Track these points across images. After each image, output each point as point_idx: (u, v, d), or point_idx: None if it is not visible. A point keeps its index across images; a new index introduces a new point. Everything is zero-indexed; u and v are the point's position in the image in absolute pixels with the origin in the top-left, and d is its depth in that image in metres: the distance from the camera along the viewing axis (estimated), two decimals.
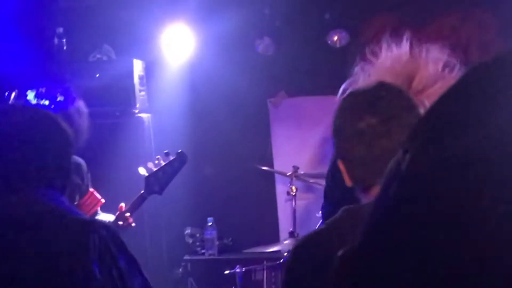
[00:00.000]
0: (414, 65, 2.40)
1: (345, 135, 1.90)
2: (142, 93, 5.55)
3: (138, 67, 5.52)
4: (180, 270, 5.67)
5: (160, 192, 3.82)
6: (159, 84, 5.94)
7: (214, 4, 5.89)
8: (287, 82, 6.22)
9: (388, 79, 2.14)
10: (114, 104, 5.30)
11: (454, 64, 2.42)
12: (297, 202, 5.53)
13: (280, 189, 6.20)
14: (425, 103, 2.18)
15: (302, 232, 5.50)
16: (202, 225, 5.84)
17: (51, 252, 2.08)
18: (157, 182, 3.81)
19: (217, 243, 5.76)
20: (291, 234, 5.35)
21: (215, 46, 6.00)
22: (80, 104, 3.68)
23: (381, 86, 1.93)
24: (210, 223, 5.73)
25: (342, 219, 1.89)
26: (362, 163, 1.87)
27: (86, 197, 3.87)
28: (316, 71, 6.04)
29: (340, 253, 0.77)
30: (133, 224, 3.70)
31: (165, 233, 5.61)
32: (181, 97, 6.04)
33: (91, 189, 3.86)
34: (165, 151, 3.89)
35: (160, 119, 5.75)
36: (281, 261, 5.19)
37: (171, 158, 3.86)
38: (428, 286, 0.51)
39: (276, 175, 6.19)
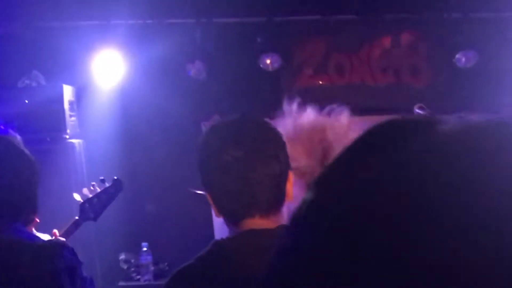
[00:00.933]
0: (320, 130, 2.42)
1: (210, 168, 1.91)
2: (73, 118, 5.48)
3: (68, 92, 5.45)
4: None
5: (95, 218, 3.77)
6: (90, 109, 5.87)
7: (145, 29, 5.88)
8: (221, 105, 6.22)
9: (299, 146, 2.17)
10: (44, 130, 5.22)
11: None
12: None
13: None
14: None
15: None
16: (136, 251, 5.76)
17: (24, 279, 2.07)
18: (92, 208, 3.76)
19: (152, 268, 5.70)
20: None
21: (146, 70, 5.97)
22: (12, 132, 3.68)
23: (245, 119, 1.97)
24: (145, 248, 5.67)
25: (212, 253, 1.89)
26: (228, 196, 1.87)
27: None
28: (250, 94, 6.06)
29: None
30: None
31: (99, 259, 5.51)
32: (113, 122, 5.98)
33: None
34: (101, 178, 3.84)
35: (92, 144, 5.67)
36: None
37: (107, 185, 3.81)
38: None
39: None
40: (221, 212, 1.93)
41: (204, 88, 6.13)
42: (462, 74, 6.13)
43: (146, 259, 5.65)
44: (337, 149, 2.19)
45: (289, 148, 1.96)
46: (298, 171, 2.16)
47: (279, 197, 1.89)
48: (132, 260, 5.84)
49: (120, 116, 6.08)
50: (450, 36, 6.08)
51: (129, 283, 5.73)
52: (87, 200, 3.76)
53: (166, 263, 5.95)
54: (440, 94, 6.04)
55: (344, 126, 2.44)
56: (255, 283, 1.77)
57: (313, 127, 2.38)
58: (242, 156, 1.84)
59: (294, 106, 2.53)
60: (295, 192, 1.93)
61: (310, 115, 2.50)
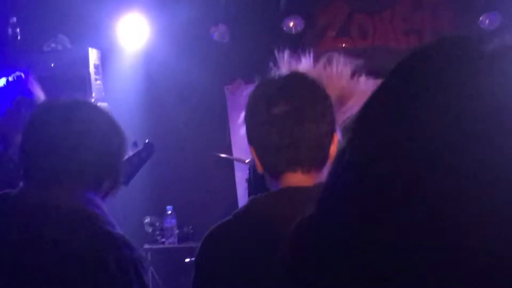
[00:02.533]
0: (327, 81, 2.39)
1: (257, 122, 1.88)
2: (98, 82, 5.50)
3: (93, 55, 5.47)
4: None
5: (126, 183, 3.75)
6: (114, 73, 5.89)
7: None
8: (244, 69, 6.20)
9: None
10: (70, 94, 5.23)
11: (361, 69, 2.41)
12: None
13: (240, 177, 6.20)
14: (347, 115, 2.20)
15: None
16: (161, 214, 5.82)
17: (66, 253, 1.97)
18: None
19: (176, 231, 5.76)
20: None
21: (170, 34, 5.97)
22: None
23: (295, 75, 1.95)
24: (169, 212, 5.72)
25: (249, 210, 1.89)
26: (273, 150, 1.87)
27: None
28: (272, 58, 6.03)
29: (293, 227, 0.84)
30: None
31: (124, 222, 5.57)
32: (137, 86, 6.00)
33: None
34: (134, 141, 3.81)
35: (116, 108, 5.70)
36: None
37: (139, 148, 3.79)
38: (375, 251, 0.58)
39: (235, 162, 6.19)
40: (264, 166, 1.92)
41: (227, 52, 6.11)
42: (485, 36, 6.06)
43: (171, 222, 5.71)
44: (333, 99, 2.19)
45: None
46: None
47: (322, 157, 1.88)
48: (157, 223, 5.90)
49: (144, 79, 6.10)
50: None
51: (154, 246, 5.79)
52: None
53: (190, 226, 6.00)
54: None
55: (340, 77, 2.41)
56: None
57: None
58: (291, 111, 1.83)
59: (286, 55, 2.50)
60: None
61: (304, 65, 2.47)
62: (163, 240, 5.78)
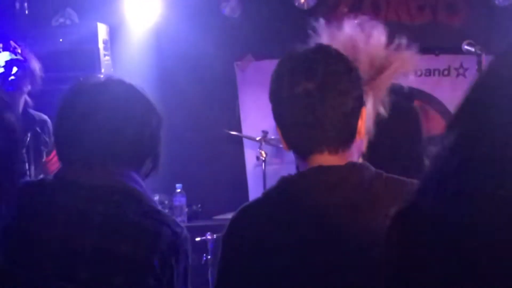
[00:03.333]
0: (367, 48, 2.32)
1: (280, 100, 1.83)
2: (107, 57, 5.44)
3: (102, 31, 5.40)
4: None
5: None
6: (123, 48, 5.83)
7: None
8: (254, 45, 6.16)
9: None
10: (78, 69, 5.18)
11: (399, 42, 2.34)
12: (266, 167, 5.50)
13: (249, 154, 6.17)
14: (384, 84, 2.14)
15: None
16: (170, 192, 5.78)
17: (120, 228, 2.00)
18: None
19: (186, 210, 5.72)
20: None
21: (180, 9, 5.91)
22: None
23: (319, 49, 1.88)
24: (178, 190, 5.67)
25: (280, 190, 1.85)
26: (297, 130, 1.82)
27: (53, 154, 3.96)
28: (284, 34, 5.98)
29: (392, 213, 0.84)
30: None
31: None
32: (146, 62, 5.94)
33: None
34: None
35: None
36: None
37: None
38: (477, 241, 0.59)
39: (245, 140, 6.14)
40: (290, 146, 1.87)
41: (238, 27, 6.06)
42: (499, 12, 5.99)
43: (180, 200, 5.66)
44: (368, 67, 2.13)
45: None
46: None
47: (349, 134, 1.83)
48: (166, 202, 5.85)
49: (154, 55, 6.04)
50: None
51: None
52: None
53: (199, 205, 5.97)
54: (477, 32, 5.90)
55: (377, 44, 2.34)
56: (323, 220, 1.76)
57: (344, 45, 2.28)
58: (314, 89, 1.77)
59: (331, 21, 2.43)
60: None
61: (345, 30, 2.39)
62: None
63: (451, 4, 6.16)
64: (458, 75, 6.10)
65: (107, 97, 2.13)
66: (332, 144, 1.81)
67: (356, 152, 1.90)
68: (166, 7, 5.89)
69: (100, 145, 2.08)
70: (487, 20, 6.06)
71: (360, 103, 1.85)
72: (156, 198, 5.88)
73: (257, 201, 1.90)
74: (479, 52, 3.76)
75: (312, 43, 1.96)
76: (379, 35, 2.26)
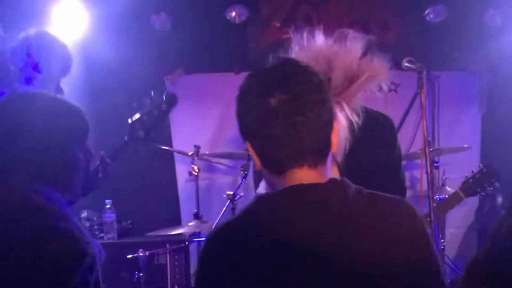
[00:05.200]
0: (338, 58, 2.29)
1: (254, 115, 1.75)
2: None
3: None
4: None
5: (145, 138, 3.49)
6: None
7: None
8: (185, 58, 6.11)
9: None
10: (2, 83, 5.06)
11: (372, 48, 2.33)
12: (199, 182, 5.44)
13: (180, 169, 6.11)
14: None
15: (205, 214, 5.42)
16: (99, 208, 5.65)
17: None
18: (142, 126, 3.49)
19: (116, 226, 5.59)
20: (196, 216, 5.25)
21: (109, 22, 5.81)
22: None
23: (288, 63, 1.83)
24: (108, 206, 5.54)
25: (258, 209, 1.78)
26: (275, 144, 1.74)
27: None
28: (215, 47, 5.95)
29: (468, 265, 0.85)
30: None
31: None
32: (74, 76, 5.81)
33: None
34: (152, 93, 3.56)
35: None
36: (185, 244, 5.09)
37: (158, 99, 3.51)
38: None
39: (176, 155, 6.08)
40: (265, 163, 1.80)
41: (168, 41, 6.01)
42: (431, 28, 6.09)
43: (110, 216, 5.52)
44: (342, 78, 2.10)
45: None
46: None
47: (326, 146, 1.79)
48: (95, 218, 5.71)
49: (82, 69, 5.91)
50: None
51: None
52: (137, 120, 3.48)
53: (129, 221, 5.86)
54: (409, 48, 5.98)
55: (352, 53, 2.31)
56: (306, 241, 1.69)
57: (317, 56, 2.25)
58: (290, 100, 1.72)
59: (303, 33, 2.40)
60: None
61: (317, 42, 2.37)
62: (102, 235, 5.60)
63: (383, 21, 6.22)
64: (390, 90, 6.15)
65: (30, 114, 2.10)
66: (311, 157, 1.76)
67: (330, 167, 1.85)
68: (94, 19, 5.77)
69: (20, 160, 2.05)
70: (420, 36, 6.15)
71: (332, 115, 1.81)
72: (84, 214, 5.75)
73: (234, 221, 1.83)
74: (419, 69, 3.80)
75: (278, 58, 1.90)
76: (352, 46, 2.25)
